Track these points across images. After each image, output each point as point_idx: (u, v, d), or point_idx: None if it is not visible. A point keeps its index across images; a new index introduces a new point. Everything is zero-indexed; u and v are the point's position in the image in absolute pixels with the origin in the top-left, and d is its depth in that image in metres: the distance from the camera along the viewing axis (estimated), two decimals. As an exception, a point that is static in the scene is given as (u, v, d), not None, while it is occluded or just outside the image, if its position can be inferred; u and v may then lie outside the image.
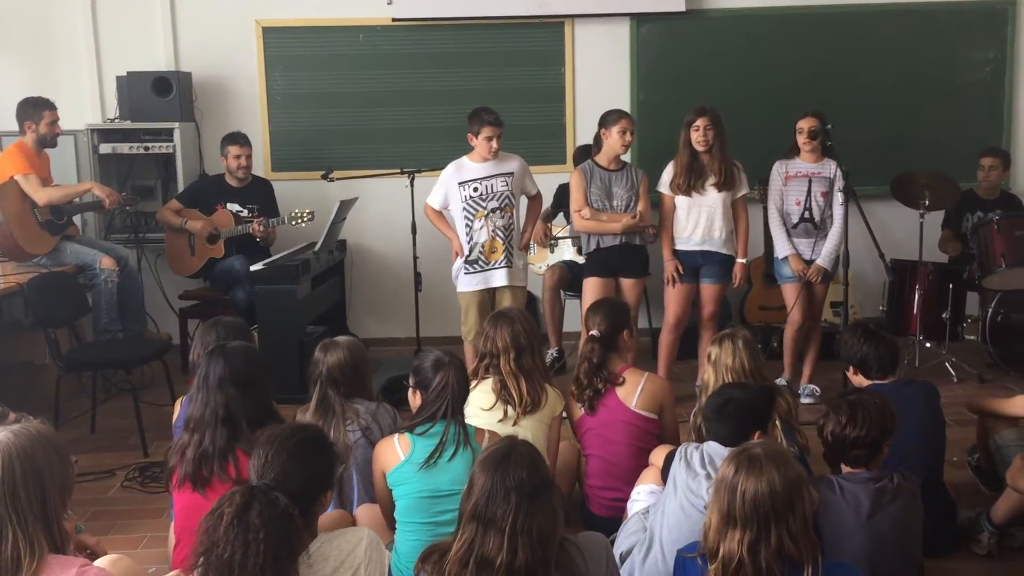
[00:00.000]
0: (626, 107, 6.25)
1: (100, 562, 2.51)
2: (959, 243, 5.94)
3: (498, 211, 5.02)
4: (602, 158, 5.05)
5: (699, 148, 4.93)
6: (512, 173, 5.05)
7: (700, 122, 4.91)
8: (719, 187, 4.96)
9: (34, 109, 5.35)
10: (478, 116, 4.94)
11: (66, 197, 5.43)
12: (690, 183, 4.97)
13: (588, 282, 5.07)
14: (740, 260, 5.12)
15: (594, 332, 3.66)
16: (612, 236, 4.99)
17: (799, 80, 6.30)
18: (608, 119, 5.01)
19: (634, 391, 3.56)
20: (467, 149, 5.07)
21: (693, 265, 5.10)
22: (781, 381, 5.19)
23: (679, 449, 2.90)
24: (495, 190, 5.01)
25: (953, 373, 5.51)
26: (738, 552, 2.11)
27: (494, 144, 4.92)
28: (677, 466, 2.80)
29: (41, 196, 5.27)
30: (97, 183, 5.66)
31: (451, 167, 5.08)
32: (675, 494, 2.75)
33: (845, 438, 2.81)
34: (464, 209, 5.02)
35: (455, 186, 5.02)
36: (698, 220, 5.01)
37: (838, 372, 4.82)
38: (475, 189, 5.00)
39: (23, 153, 5.32)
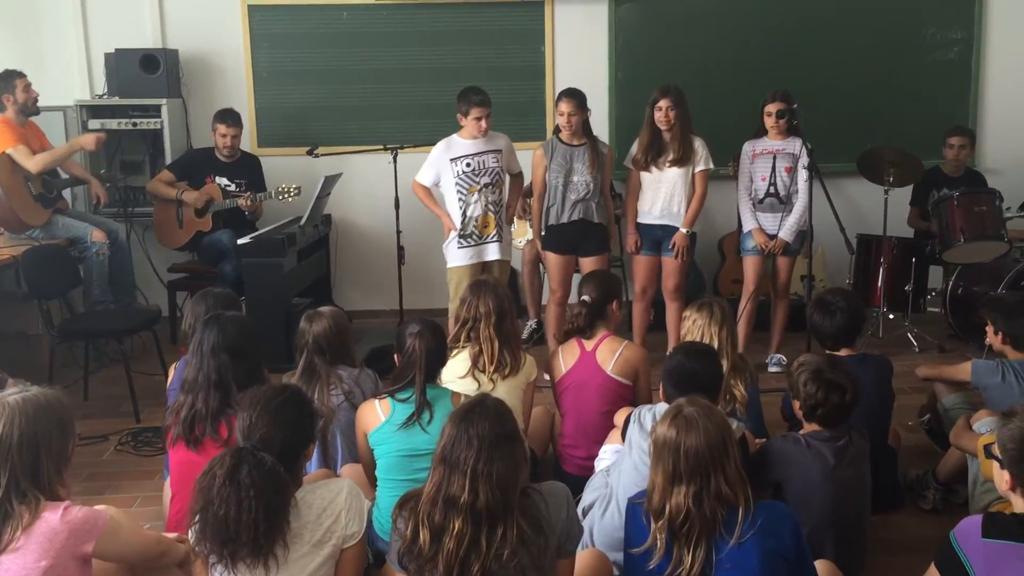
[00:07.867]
0: (604, 85, 6.44)
1: None
2: (926, 221, 6.11)
3: (490, 186, 5.14)
4: (564, 133, 5.13)
5: (661, 127, 5.06)
6: (501, 150, 5.17)
7: (663, 103, 5.02)
8: (676, 163, 5.07)
9: (5, 82, 5.42)
10: (466, 97, 5.04)
11: (56, 159, 5.52)
12: (648, 159, 5.11)
13: (547, 256, 5.28)
14: (682, 229, 5.17)
15: (585, 298, 3.83)
16: (569, 212, 5.10)
17: (772, 58, 6.44)
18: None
19: (611, 357, 3.74)
20: (449, 125, 5.20)
21: (655, 238, 5.25)
22: (773, 361, 5.36)
23: (634, 411, 3.07)
24: (487, 166, 5.12)
25: (915, 343, 5.73)
26: (685, 505, 2.29)
27: (483, 124, 5.03)
28: (632, 427, 2.97)
29: (33, 164, 5.36)
30: (81, 135, 5.76)
31: (441, 145, 5.18)
32: (630, 454, 2.94)
33: (833, 402, 2.98)
34: (457, 185, 5.11)
35: (447, 163, 5.11)
36: (659, 195, 5.15)
37: (805, 343, 5.04)
38: (467, 165, 5.10)
39: (8, 127, 5.40)
